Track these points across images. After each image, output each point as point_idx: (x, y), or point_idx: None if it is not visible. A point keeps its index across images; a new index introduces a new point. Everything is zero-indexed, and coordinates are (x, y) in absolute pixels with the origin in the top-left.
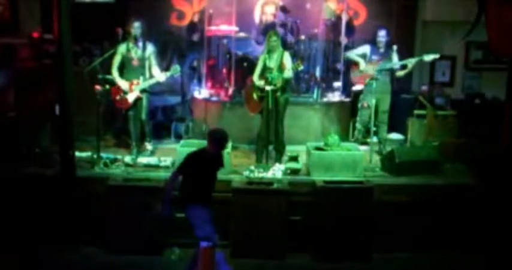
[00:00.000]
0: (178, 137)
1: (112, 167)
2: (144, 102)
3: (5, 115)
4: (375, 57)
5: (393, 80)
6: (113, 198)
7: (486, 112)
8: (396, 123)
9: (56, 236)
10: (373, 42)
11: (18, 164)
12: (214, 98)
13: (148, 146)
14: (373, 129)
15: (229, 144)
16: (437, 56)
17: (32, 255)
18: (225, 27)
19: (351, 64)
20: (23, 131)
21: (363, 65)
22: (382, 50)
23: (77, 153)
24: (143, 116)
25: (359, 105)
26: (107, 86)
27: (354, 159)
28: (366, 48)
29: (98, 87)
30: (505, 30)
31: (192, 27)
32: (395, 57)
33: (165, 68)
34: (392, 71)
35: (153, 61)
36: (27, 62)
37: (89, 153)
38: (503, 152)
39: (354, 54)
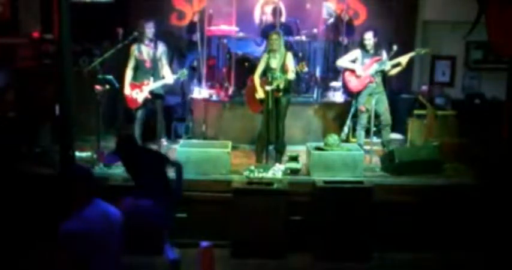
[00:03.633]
0: (178, 137)
1: (112, 167)
2: (159, 103)
3: (5, 115)
4: (366, 60)
5: (385, 79)
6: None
7: (486, 112)
8: (396, 123)
9: (56, 236)
10: (361, 45)
11: (18, 164)
12: (214, 98)
13: (164, 142)
14: (373, 129)
15: (229, 144)
16: (427, 50)
17: (32, 255)
18: (225, 27)
19: (343, 72)
20: (23, 131)
21: (358, 70)
22: (372, 52)
23: (77, 153)
24: (160, 116)
25: (352, 109)
26: (107, 86)
27: (354, 159)
28: (356, 53)
29: (98, 87)
30: (505, 30)
31: (192, 27)
32: (384, 56)
33: None
34: (383, 71)
35: (164, 61)
36: (27, 62)
37: (89, 153)
38: (503, 152)
39: (346, 61)
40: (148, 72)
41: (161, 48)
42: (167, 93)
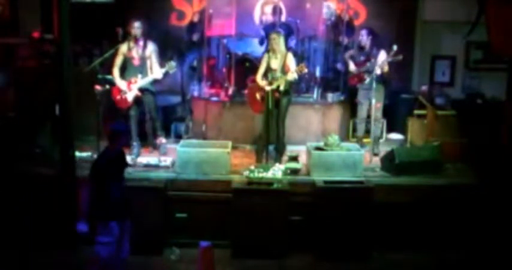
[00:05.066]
0: (178, 137)
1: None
2: (149, 100)
3: (5, 115)
4: (362, 58)
5: (383, 79)
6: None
7: (486, 112)
8: (396, 123)
9: (56, 236)
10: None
11: (18, 164)
12: (214, 98)
13: (163, 140)
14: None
15: (229, 144)
16: (399, 58)
17: (32, 255)
18: (225, 27)
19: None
20: (23, 131)
21: (350, 66)
22: (366, 50)
23: (77, 153)
24: (153, 114)
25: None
26: (107, 86)
27: (354, 159)
28: (355, 51)
29: (98, 87)
30: (505, 30)
31: (192, 27)
32: (382, 56)
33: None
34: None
35: (154, 59)
36: (27, 62)
37: (89, 153)
38: (503, 152)
39: (347, 55)
40: (137, 70)
41: (151, 47)
42: (167, 93)
